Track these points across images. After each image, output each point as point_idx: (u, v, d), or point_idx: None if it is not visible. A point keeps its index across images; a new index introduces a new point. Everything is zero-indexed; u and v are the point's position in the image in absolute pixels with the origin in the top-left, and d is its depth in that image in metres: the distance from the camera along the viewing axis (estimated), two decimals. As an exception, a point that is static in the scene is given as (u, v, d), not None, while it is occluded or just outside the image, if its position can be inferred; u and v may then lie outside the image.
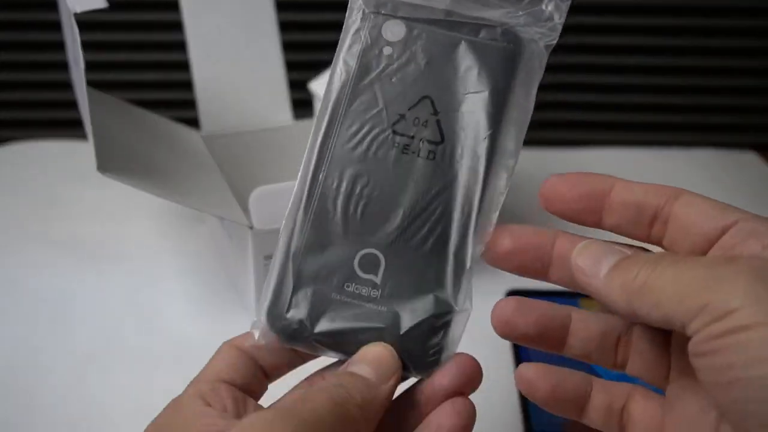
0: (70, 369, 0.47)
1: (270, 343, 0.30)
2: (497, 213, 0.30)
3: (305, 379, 0.32)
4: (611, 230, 0.29)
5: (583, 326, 0.30)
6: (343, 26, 0.31)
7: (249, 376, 0.30)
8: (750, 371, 0.21)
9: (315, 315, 0.29)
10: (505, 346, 0.49)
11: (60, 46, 0.63)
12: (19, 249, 0.59)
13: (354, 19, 0.31)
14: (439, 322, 0.29)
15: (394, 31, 0.31)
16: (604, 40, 0.75)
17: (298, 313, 0.29)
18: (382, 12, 0.31)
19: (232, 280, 0.55)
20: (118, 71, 0.75)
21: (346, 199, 0.30)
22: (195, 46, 0.59)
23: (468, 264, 0.30)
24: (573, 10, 0.80)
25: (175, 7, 0.59)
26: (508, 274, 0.58)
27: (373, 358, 0.29)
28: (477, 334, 0.51)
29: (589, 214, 0.29)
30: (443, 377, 0.29)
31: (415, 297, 0.29)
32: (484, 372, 0.47)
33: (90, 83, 0.43)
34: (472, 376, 0.30)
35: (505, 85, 0.30)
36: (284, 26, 0.62)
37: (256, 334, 0.30)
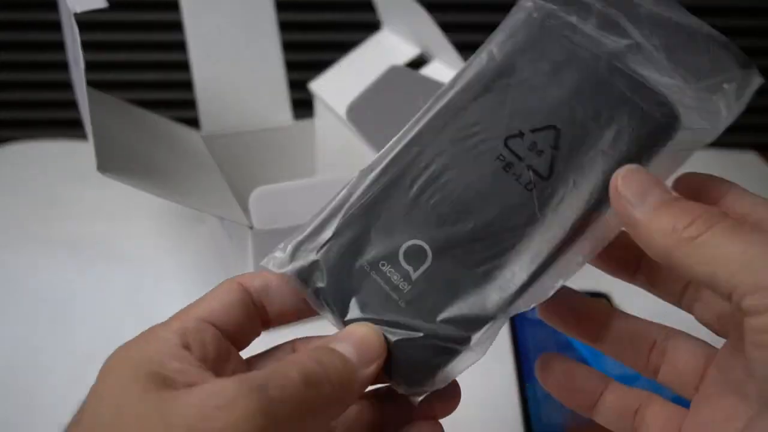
0: (70, 369, 0.47)
1: (286, 276, 0.28)
2: (563, 282, 0.27)
3: (278, 346, 0.29)
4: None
5: (618, 326, 0.30)
6: (510, 12, 0.30)
7: (243, 322, 0.28)
8: None
9: (336, 271, 0.27)
10: (506, 346, 0.49)
11: (60, 46, 0.63)
12: (19, 249, 0.59)
13: (522, 13, 0.30)
14: (449, 347, 0.27)
15: (555, 48, 0.28)
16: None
17: (324, 260, 0.27)
18: (557, 17, 0.28)
19: (232, 280, 0.55)
20: (118, 71, 0.75)
21: (426, 183, 0.27)
22: (195, 46, 0.59)
23: (507, 315, 0.27)
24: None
25: (175, 7, 0.59)
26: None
27: (358, 339, 0.26)
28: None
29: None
30: (431, 407, 0.28)
31: (439, 312, 0.27)
32: (485, 372, 0.47)
33: (90, 83, 0.43)
34: (453, 407, 0.29)
35: (638, 161, 0.27)
36: (284, 26, 0.62)
37: (273, 264, 0.28)
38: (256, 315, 0.28)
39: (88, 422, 0.24)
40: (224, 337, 0.27)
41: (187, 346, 0.25)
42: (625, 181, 0.25)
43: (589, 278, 0.56)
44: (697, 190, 0.27)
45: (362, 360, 0.26)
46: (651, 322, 0.30)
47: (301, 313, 0.29)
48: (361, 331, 0.27)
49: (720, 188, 0.27)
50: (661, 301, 0.55)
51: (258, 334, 0.29)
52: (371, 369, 0.26)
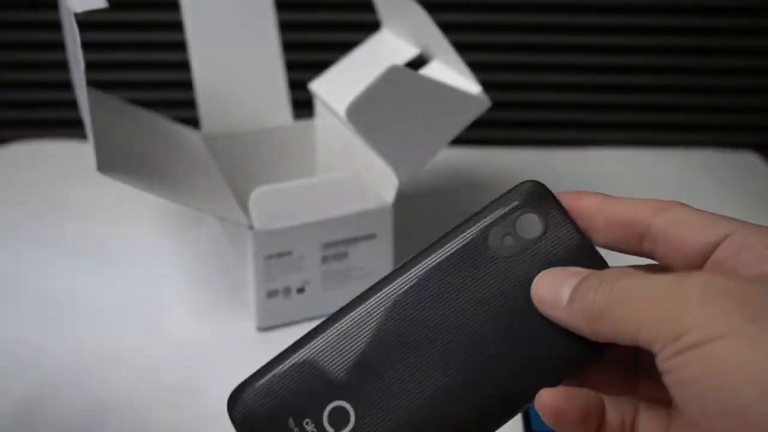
0: (70, 369, 0.47)
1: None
2: None
3: None
4: (604, 248, 0.29)
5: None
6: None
7: None
8: (702, 384, 0.22)
9: (265, 423, 0.27)
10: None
11: (60, 46, 0.63)
12: (19, 249, 0.59)
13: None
14: None
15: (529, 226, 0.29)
16: (604, 40, 0.75)
17: (256, 407, 0.28)
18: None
19: (232, 280, 0.55)
20: (118, 71, 0.75)
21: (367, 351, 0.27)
22: (195, 46, 0.59)
23: None
24: (573, 10, 0.80)
25: (175, 7, 0.59)
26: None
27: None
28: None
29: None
30: None
31: None
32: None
33: (90, 83, 0.43)
34: None
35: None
36: (284, 26, 0.62)
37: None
38: None
39: None
40: None
41: None
42: (539, 287, 0.27)
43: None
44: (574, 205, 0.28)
45: None
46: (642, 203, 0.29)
47: None
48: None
49: (593, 199, 0.28)
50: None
51: None
52: None
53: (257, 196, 0.47)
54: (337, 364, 0.27)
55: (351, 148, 0.56)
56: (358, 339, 0.27)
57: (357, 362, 0.27)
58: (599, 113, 0.78)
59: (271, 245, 0.48)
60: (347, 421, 0.27)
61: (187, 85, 0.60)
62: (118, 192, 0.62)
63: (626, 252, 0.29)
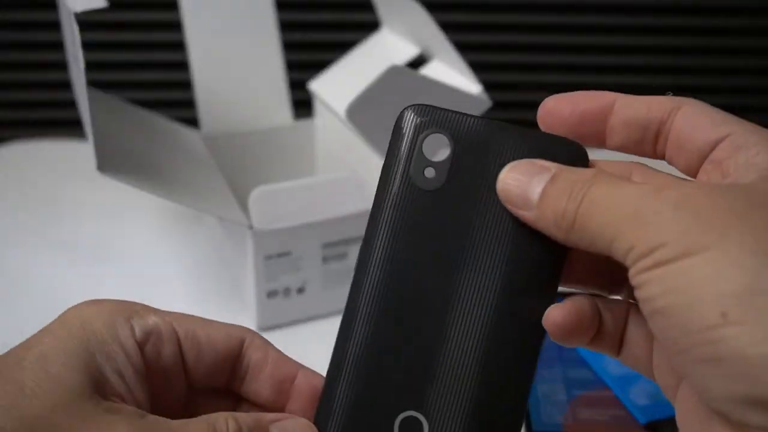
0: (70, 369, 0.47)
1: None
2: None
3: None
4: (616, 150, 0.28)
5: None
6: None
7: (216, 368, 0.28)
8: (665, 301, 0.21)
9: None
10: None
11: (60, 46, 0.63)
12: (19, 249, 0.58)
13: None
14: None
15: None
16: (605, 40, 0.75)
17: None
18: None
19: (232, 280, 0.55)
20: (118, 71, 0.75)
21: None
22: (195, 46, 0.59)
23: None
24: (573, 10, 0.80)
25: (175, 7, 0.59)
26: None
27: (293, 429, 0.26)
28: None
29: (592, 137, 0.27)
30: None
31: None
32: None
33: (90, 83, 0.43)
34: None
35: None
36: (284, 26, 0.62)
37: None
38: (228, 374, 0.28)
39: (17, 361, 0.26)
40: (184, 364, 0.27)
41: (142, 344, 0.26)
42: (506, 184, 0.25)
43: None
44: (588, 105, 0.28)
45: None
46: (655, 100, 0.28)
47: (275, 404, 0.29)
48: (300, 424, 0.27)
49: (607, 98, 0.28)
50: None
51: (221, 387, 0.29)
52: None
53: (257, 196, 0.47)
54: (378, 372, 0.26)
55: (351, 148, 0.56)
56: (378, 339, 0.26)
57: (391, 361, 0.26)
58: (599, 113, 0.78)
59: (271, 245, 0.48)
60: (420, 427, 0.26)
61: (187, 85, 0.60)
62: (118, 192, 0.62)
63: (640, 154, 0.27)
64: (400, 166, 0.27)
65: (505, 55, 0.75)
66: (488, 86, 0.50)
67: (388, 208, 0.26)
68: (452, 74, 0.52)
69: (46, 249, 0.58)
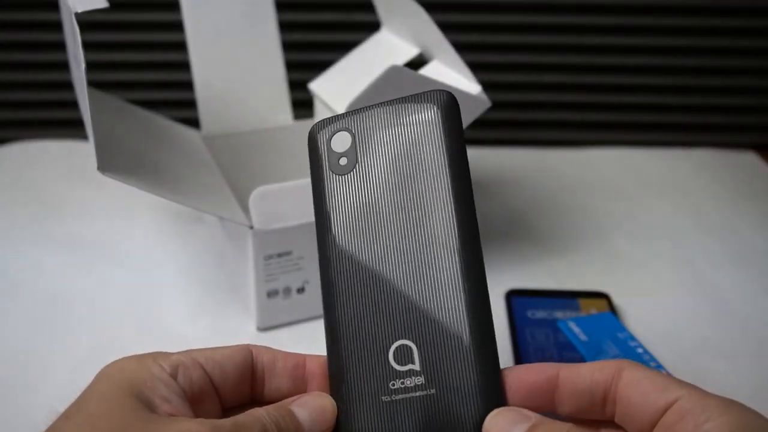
0: (70, 368, 0.47)
1: None
2: None
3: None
4: (568, 417, 0.30)
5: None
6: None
7: (235, 382, 0.32)
8: None
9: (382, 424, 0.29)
10: (506, 346, 0.49)
11: (61, 46, 0.63)
12: (19, 249, 0.59)
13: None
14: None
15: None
16: (604, 40, 0.75)
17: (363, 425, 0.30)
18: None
19: (232, 280, 0.55)
20: (119, 71, 0.75)
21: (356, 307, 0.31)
22: (195, 46, 0.59)
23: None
24: (573, 9, 0.80)
25: (175, 7, 0.59)
26: (507, 274, 0.58)
27: (314, 407, 0.30)
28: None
29: (543, 407, 0.29)
30: None
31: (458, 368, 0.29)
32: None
33: (91, 83, 0.43)
34: None
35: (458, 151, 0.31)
36: (284, 26, 0.62)
37: None
38: (250, 382, 0.32)
39: (76, 418, 0.27)
40: (212, 385, 0.31)
41: (174, 376, 0.30)
42: (490, 427, 0.28)
43: (588, 278, 0.56)
44: (535, 378, 0.29)
45: (314, 427, 0.30)
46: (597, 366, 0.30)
47: (296, 393, 0.32)
48: (319, 402, 0.31)
49: (552, 369, 0.29)
50: (660, 300, 0.55)
51: (248, 400, 0.32)
52: None
53: (257, 196, 0.47)
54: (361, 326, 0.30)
55: (351, 148, 0.56)
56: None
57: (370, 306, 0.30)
58: (599, 113, 0.78)
59: (271, 245, 0.48)
60: (411, 351, 0.29)
61: (187, 85, 0.60)
62: (118, 192, 0.63)
63: (591, 418, 0.29)
64: (322, 166, 0.33)
65: (505, 55, 0.75)
66: (488, 86, 0.50)
67: (327, 199, 0.33)
68: (452, 74, 0.52)
69: (47, 249, 0.58)
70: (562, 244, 0.61)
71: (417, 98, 0.32)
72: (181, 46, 0.60)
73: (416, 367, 0.29)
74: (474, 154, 0.75)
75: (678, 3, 0.74)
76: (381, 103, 0.32)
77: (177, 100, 0.72)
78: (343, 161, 0.32)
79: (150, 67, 0.75)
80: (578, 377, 0.29)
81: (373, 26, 0.61)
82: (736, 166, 0.74)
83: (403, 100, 0.32)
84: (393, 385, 0.29)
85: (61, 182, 0.68)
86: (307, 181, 0.51)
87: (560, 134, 0.78)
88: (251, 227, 0.47)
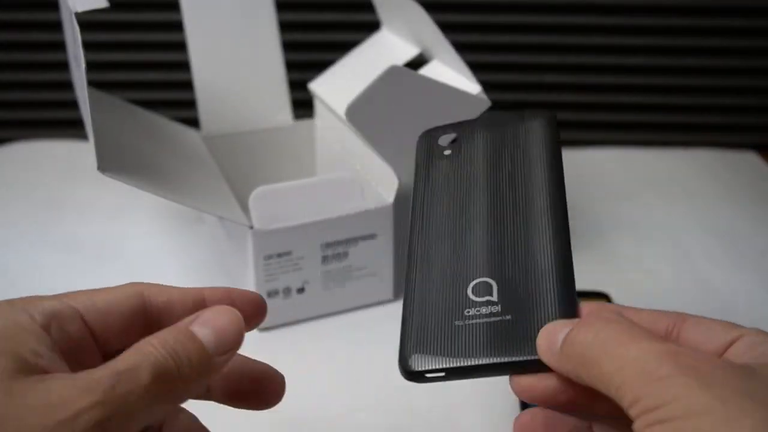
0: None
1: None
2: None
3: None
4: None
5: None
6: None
7: (122, 328, 0.28)
8: None
9: (447, 346, 0.31)
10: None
11: (61, 46, 0.63)
12: (19, 249, 0.59)
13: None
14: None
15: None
16: (604, 40, 0.75)
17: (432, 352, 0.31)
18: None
19: (232, 280, 0.55)
20: (119, 71, 0.75)
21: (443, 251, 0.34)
22: (195, 46, 0.59)
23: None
24: (573, 10, 0.80)
25: (175, 7, 0.59)
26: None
27: (218, 326, 0.27)
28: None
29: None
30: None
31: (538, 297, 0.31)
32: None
33: (91, 83, 0.43)
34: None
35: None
36: (284, 26, 0.62)
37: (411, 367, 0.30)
38: (141, 328, 0.28)
39: None
40: (94, 336, 0.27)
41: (46, 328, 0.26)
42: (540, 336, 0.29)
43: (588, 278, 0.56)
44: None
45: (219, 348, 0.26)
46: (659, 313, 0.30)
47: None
48: (223, 319, 0.27)
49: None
50: (660, 300, 0.55)
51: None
52: (225, 357, 0.27)
53: (257, 196, 0.47)
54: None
55: (351, 148, 0.56)
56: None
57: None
58: (599, 113, 0.78)
59: (271, 245, 0.48)
60: (490, 287, 0.32)
61: (187, 85, 0.60)
62: (118, 192, 0.62)
63: None
64: (427, 155, 0.38)
65: (505, 55, 0.75)
66: (487, 86, 0.50)
67: (427, 174, 0.37)
68: (452, 74, 0.52)
69: (47, 249, 0.58)
70: (562, 244, 0.61)
71: (521, 112, 0.38)
72: (181, 46, 0.60)
73: (494, 298, 0.31)
74: (474, 154, 0.75)
75: (678, 3, 0.74)
76: (485, 113, 0.40)
77: (177, 100, 0.72)
78: (447, 152, 0.37)
79: (150, 67, 0.75)
80: (640, 318, 0.29)
81: (373, 26, 0.61)
82: (736, 166, 0.74)
83: (507, 112, 0.38)
84: (468, 312, 0.31)
85: (61, 182, 0.68)
86: (307, 181, 0.51)
87: (560, 134, 0.78)
88: (251, 227, 0.47)
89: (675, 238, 0.62)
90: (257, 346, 0.50)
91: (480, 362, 0.30)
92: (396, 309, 0.53)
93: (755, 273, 0.57)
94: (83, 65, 0.41)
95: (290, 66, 0.62)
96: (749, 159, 0.76)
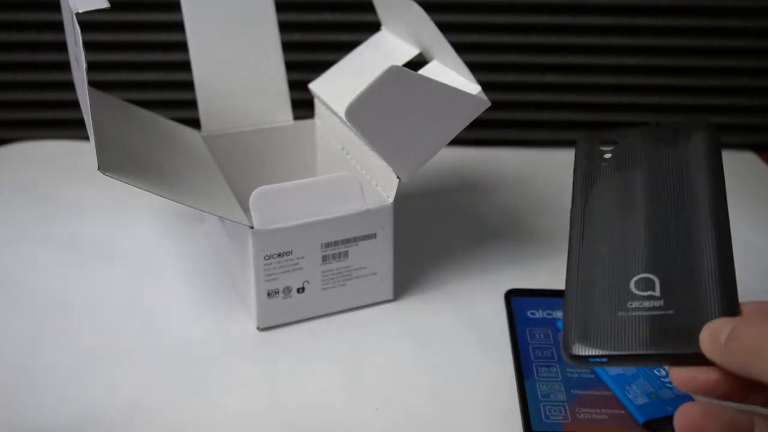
0: (70, 369, 0.47)
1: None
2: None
3: None
4: None
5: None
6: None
7: None
8: None
9: (608, 334, 0.34)
10: (505, 346, 0.49)
11: (61, 46, 0.63)
12: (18, 248, 0.59)
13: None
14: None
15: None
16: (604, 40, 0.75)
17: (598, 341, 0.34)
18: None
19: (232, 280, 0.55)
20: (119, 71, 0.75)
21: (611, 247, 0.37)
22: (195, 46, 0.59)
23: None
24: (573, 10, 0.80)
25: (175, 7, 0.59)
26: (507, 274, 0.58)
27: None
28: (477, 334, 0.51)
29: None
30: None
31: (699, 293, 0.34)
32: (484, 373, 0.47)
33: (91, 83, 0.43)
34: None
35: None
36: (284, 26, 0.62)
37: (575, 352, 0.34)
38: None
39: None
40: None
41: None
42: (704, 332, 0.31)
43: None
44: None
45: None
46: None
47: None
48: None
49: None
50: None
51: None
52: None
53: (257, 196, 0.47)
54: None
55: (351, 148, 0.56)
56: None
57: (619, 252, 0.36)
58: (599, 113, 0.78)
59: (271, 245, 0.48)
60: (653, 282, 0.35)
61: (187, 85, 0.60)
62: (119, 192, 0.63)
63: None
64: (587, 157, 0.41)
65: (505, 55, 0.75)
66: (488, 86, 0.50)
67: (587, 178, 0.40)
68: (452, 74, 0.52)
69: (47, 249, 0.59)
70: (562, 244, 0.60)
71: (682, 121, 0.41)
72: (181, 46, 0.60)
73: (656, 293, 0.34)
74: (473, 154, 0.75)
75: (678, 3, 0.74)
76: (645, 125, 0.41)
77: (177, 100, 0.72)
78: (608, 155, 0.40)
79: (150, 67, 0.75)
80: None
81: (373, 26, 0.61)
82: (735, 165, 0.74)
83: (669, 123, 0.41)
84: (631, 305, 0.34)
85: (61, 182, 0.68)
86: (307, 181, 0.51)
87: (560, 134, 0.78)
88: (251, 227, 0.47)
89: (674, 238, 0.62)
90: (257, 346, 0.50)
91: (643, 352, 0.32)
92: (396, 309, 0.53)
93: (754, 273, 0.57)
94: (84, 65, 0.41)
95: (290, 66, 0.62)
96: (748, 159, 0.76)
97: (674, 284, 0.34)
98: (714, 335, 0.30)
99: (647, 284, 0.34)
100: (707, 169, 0.38)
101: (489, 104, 0.50)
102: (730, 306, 0.32)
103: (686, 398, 0.43)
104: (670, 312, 0.33)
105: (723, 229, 0.35)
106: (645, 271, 0.35)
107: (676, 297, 0.33)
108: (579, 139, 0.42)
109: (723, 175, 0.38)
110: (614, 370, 0.45)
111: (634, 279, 0.35)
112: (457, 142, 0.53)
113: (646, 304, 0.34)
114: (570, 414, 0.43)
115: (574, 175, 0.41)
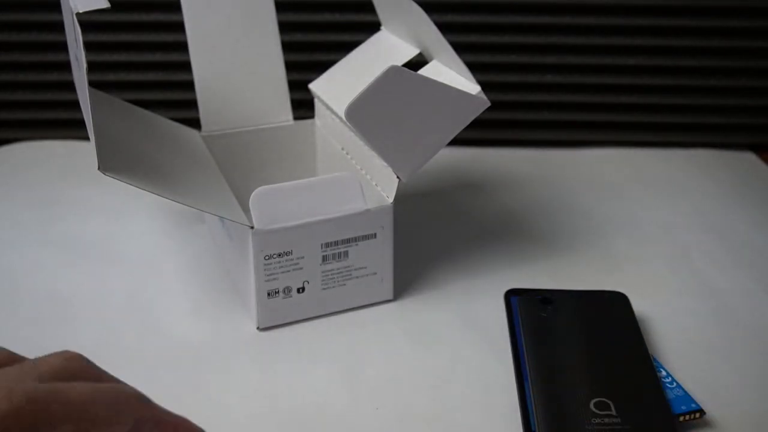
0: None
1: None
2: None
3: None
4: None
5: None
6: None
7: None
8: None
9: None
10: (505, 346, 0.49)
11: (61, 46, 0.63)
12: (19, 248, 0.59)
13: None
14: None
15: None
16: (604, 40, 0.75)
17: None
18: None
19: (232, 280, 0.55)
20: (119, 71, 0.75)
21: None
22: (195, 46, 0.59)
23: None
24: (573, 10, 0.80)
25: (175, 7, 0.59)
26: (507, 274, 0.58)
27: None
28: (477, 334, 0.51)
29: None
30: None
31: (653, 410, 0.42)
32: (484, 373, 0.47)
33: (91, 83, 0.44)
34: None
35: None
36: (284, 26, 0.62)
37: None
38: None
39: None
40: None
41: None
42: None
43: (588, 278, 0.57)
44: None
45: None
46: None
47: None
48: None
49: None
50: (659, 300, 0.55)
51: None
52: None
53: (257, 196, 0.47)
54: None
55: (351, 148, 0.56)
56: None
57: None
58: (598, 113, 0.78)
59: (271, 245, 0.48)
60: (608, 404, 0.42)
61: (187, 85, 0.60)
62: (119, 192, 0.63)
63: None
64: (526, 311, 0.49)
65: (505, 55, 0.75)
66: (487, 86, 0.50)
67: (527, 331, 0.47)
68: (451, 75, 0.52)
69: (48, 249, 0.59)
70: (562, 244, 0.61)
71: (599, 291, 0.52)
72: (181, 46, 0.60)
73: (613, 413, 0.41)
74: (473, 154, 0.75)
75: (678, 3, 0.74)
76: (567, 292, 0.51)
77: (177, 100, 0.72)
78: (543, 314, 0.49)
79: (150, 67, 0.75)
80: None
81: (373, 26, 0.61)
82: (734, 166, 0.74)
83: (586, 291, 0.52)
84: (594, 420, 0.40)
85: (61, 182, 0.68)
86: (307, 181, 0.51)
87: (559, 134, 0.78)
88: (251, 227, 0.47)
89: (674, 238, 0.62)
90: (257, 346, 0.50)
91: None
92: (396, 309, 0.53)
93: (754, 272, 0.57)
94: (84, 65, 0.41)
95: (290, 66, 0.62)
96: (747, 159, 0.76)
97: (625, 405, 0.41)
98: None
99: (604, 406, 0.41)
100: (629, 328, 0.48)
101: (489, 104, 0.50)
102: (672, 419, 0.41)
103: (686, 398, 0.43)
104: (628, 427, 0.40)
105: (649, 367, 0.44)
106: (600, 396, 0.42)
107: (630, 416, 0.41)
108: (507, 293, 0.52)
109: (641, 334, 0.47)
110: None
111: (593, 401, 0.42)
112: (457, 142, 0.53)
113: (606, 420, 0.41)
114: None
115: (515, 324, 0.49)
